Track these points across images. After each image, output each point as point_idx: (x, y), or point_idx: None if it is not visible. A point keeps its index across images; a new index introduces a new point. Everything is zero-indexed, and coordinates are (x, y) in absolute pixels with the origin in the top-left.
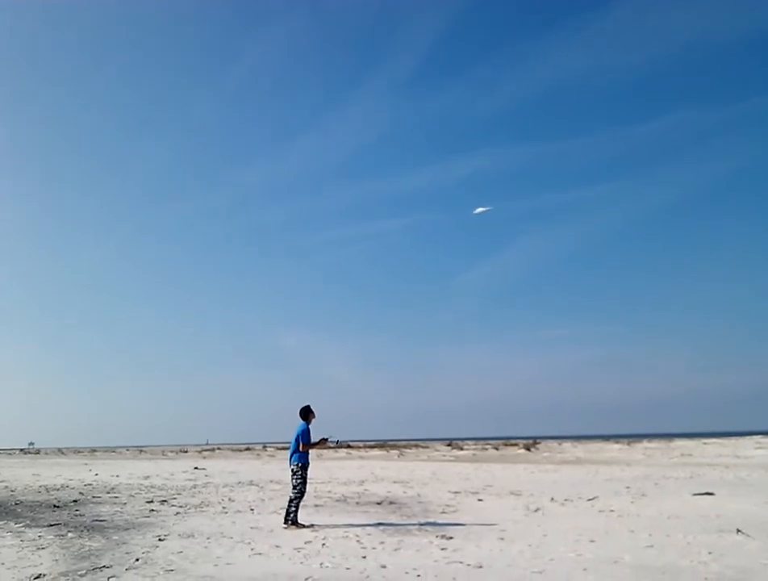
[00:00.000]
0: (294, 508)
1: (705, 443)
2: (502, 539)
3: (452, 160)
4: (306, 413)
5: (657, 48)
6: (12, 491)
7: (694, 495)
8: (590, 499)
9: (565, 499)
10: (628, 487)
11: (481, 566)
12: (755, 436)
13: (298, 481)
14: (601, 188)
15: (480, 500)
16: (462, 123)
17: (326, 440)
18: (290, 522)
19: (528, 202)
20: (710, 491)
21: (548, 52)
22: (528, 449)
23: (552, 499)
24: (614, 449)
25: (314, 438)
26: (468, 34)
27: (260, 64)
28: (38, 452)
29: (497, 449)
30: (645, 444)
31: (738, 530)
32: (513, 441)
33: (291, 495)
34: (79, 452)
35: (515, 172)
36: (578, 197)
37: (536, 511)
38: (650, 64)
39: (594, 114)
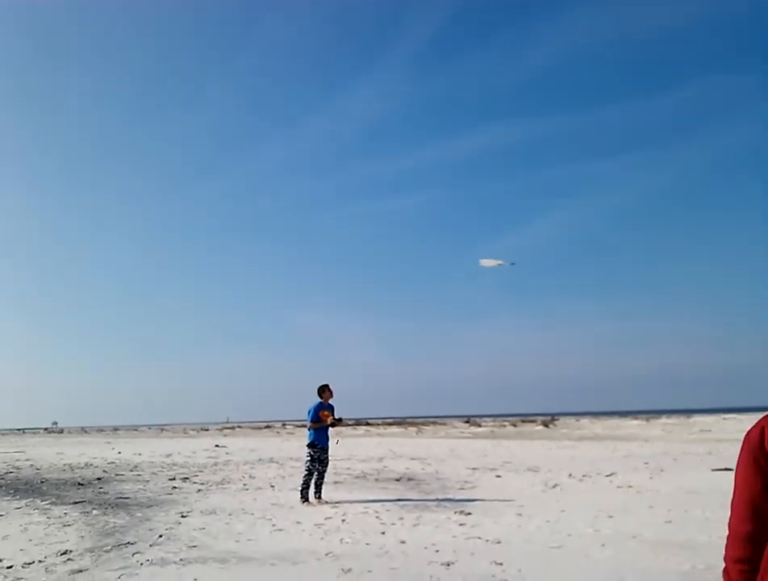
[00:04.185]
0: (303, 485)
1: (724, 418)
2: (520, 515)
3: (470, 132)
4: (320, 392)
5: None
6: (38, 469)
7: (713, 470)
8: (608, 475)
9: (584, 475)
10: (646, 463)
11: (499, 542)
12: None
13: (306, 459)
14: (627, 157)
15: (498, 477)
16: (479, 95)
17: (340, 420)
18: (302, 498)
19: (551, 173)
20: (729, 466)
21: (567, 19)
22: (546, 426)
23: (570, 475)
24: (632, 425)
25: (335, 416)
26: (483, 5)
27: (272, 45)
28: (61, 431)
29: (515, 425)
30: (664, 420)
31: None
32: (531, 418)
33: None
34: (102, 431)
35: (536, 143)
36: (600, 168)
37: (554, 487)
38: (676, 31)
39: (613, 84)
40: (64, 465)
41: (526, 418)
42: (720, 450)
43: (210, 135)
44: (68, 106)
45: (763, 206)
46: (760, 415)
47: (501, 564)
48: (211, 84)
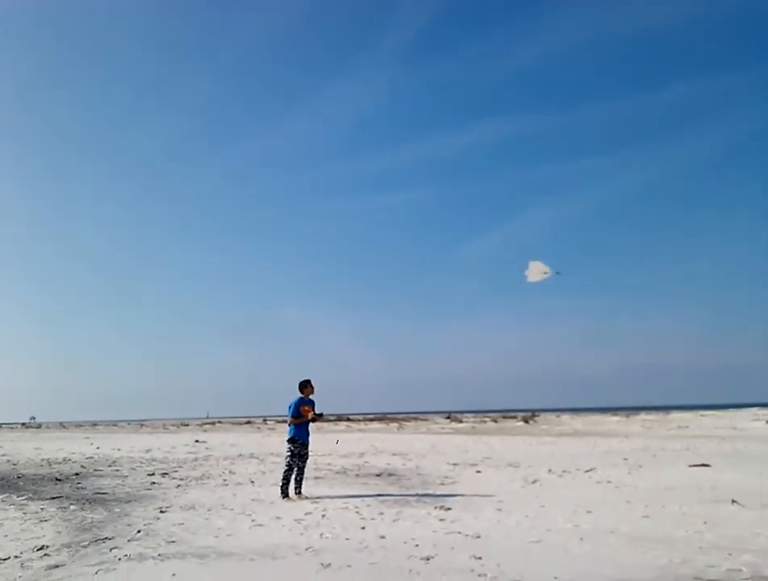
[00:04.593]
0: (283, 481)
1: (702, 415)
2: (499, 510)
3: (456, 130)
4: (301, 387)
5: (670, 16)
6: (14, 464)
7: (691, 466)
8: (587, 471)
9: (563, 471)
10: (625, 459)
11: (479, 537)
12: (752, 409)
13: (287, 454)
14: (616, 155)
15: (478, 472)
16: (467, 92)
17: (320, 415)
18: (282, 494)
19: (539, 170)
20: (706, 462)
21: (556, 17)
22: (527, 422)
23: (549, 470)
24: (612, 421)
25: (316, 411)
26: (471, 1)
27: (257, 39)
28: (39, 426)
29: (495, 421)
30: (643, 416)
31: (733, 501)
32: (512, 414)
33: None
34: (80, 426)
35: (524, 140)
36: (588, 165)
37: (533, 482)
38: (666, 31)
39: (602, 82)
40: (42, 460)
41: (507, 414)
42: (696, 446)
43: (197, 132)
44: (63, 106)
45: (753, 204)
46: (737, 412)
47: (480, 558)
48: (198, 80)
